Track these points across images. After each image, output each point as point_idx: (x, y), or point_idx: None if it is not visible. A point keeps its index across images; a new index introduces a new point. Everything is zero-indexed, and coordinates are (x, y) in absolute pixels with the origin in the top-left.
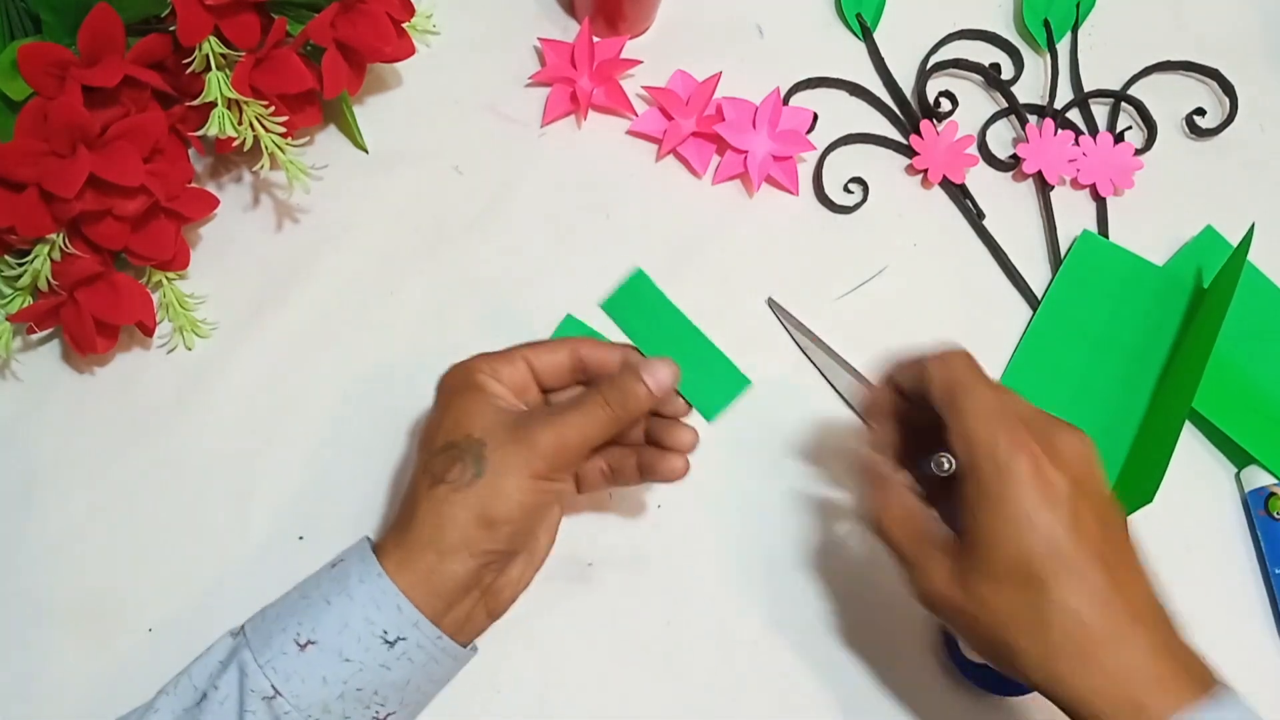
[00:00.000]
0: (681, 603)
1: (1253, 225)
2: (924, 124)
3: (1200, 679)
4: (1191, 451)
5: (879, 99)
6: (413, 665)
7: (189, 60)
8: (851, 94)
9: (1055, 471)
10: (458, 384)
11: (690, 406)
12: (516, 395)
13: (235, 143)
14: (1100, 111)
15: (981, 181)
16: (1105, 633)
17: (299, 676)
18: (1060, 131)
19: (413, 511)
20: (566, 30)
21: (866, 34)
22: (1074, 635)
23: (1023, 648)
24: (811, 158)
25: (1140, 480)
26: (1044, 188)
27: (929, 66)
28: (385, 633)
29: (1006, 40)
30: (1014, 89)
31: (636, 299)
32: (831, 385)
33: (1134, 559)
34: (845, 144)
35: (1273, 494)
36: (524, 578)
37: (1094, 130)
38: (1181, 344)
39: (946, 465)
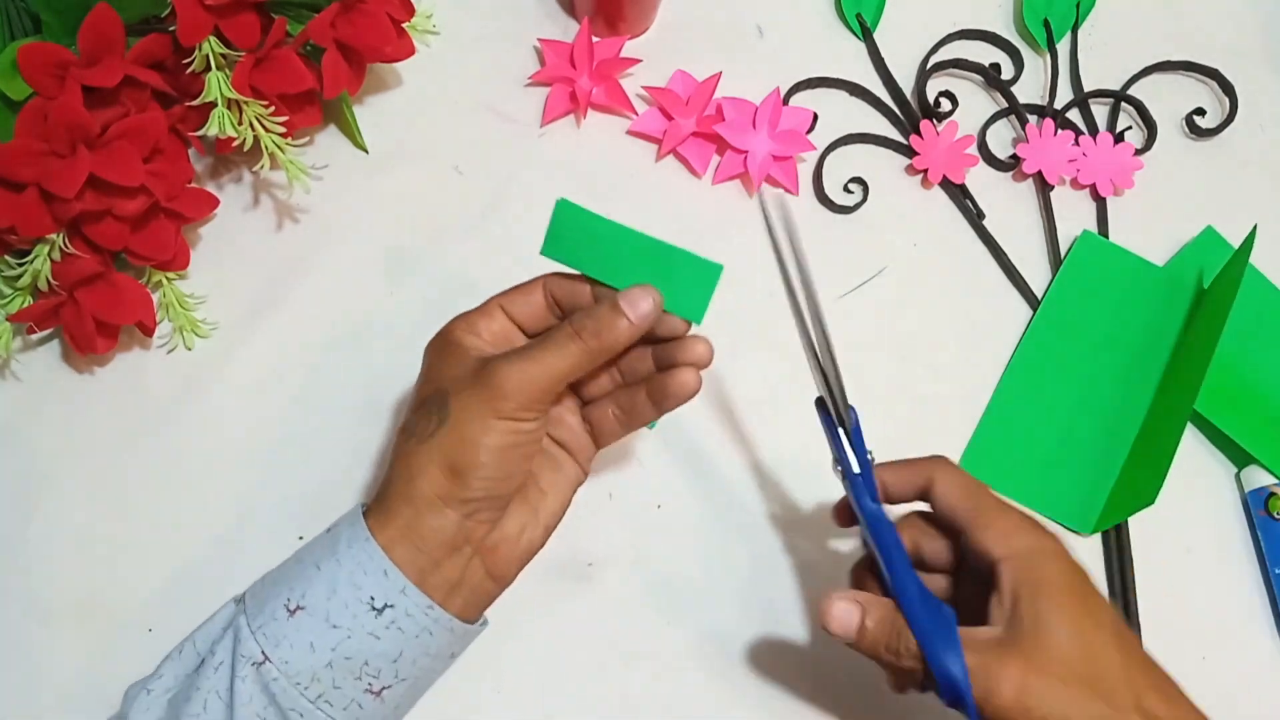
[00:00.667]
0: (681, 603)
1: (1254, 227)
2: (924, 124)
3: None
4: (1191, 451)
5: (879, 99)
6: (403, 635)
7: (189, 60)
8: (851, 94)
9: (1083, 572)
10: (435, 344)
11: (687, 323)
12: (499, 344)
13: (235, 143)
14: (1100, 111)
15: (981, 181)
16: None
17: (287, 642)
18: (1060, 131)
19: (390, 470)
20: (566, 30)
21: (866, 34)
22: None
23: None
24: (811, 158)
25: (1142, 482)
26: (1044, 188)
27: (929, 66)
28: (372, 599)
29: (1006, 40)
30: (1014, 89)
31: (572, 230)
32: (799, 324)
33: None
34: (845, 144)
35: (1273, 494)
36: (526, 535)
37: (1094, 130)
38: (1182, 345)
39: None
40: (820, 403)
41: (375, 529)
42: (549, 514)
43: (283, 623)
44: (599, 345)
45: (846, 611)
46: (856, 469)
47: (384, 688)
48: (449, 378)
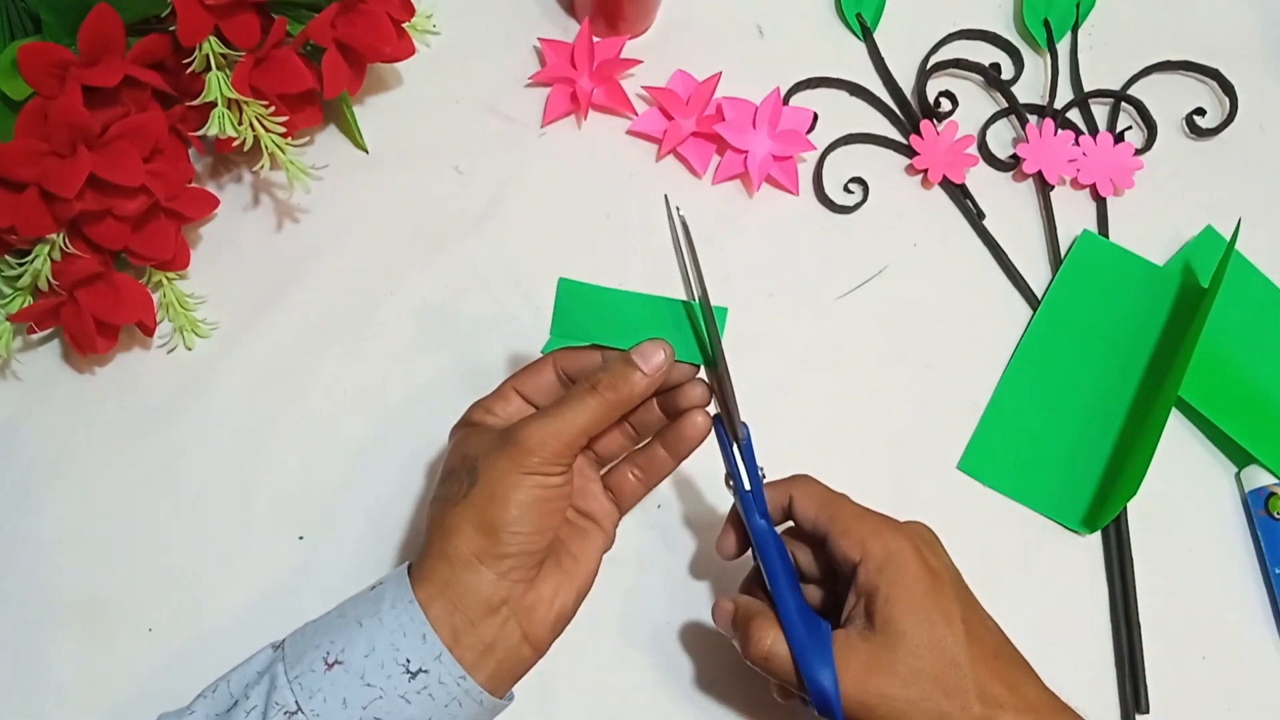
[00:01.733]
0: (681, 603)
1: (1239, 220)
2: (924, 124)
3: None
4: (1191, 451)
5: (879, 99)
6: (433, 703)
7: (189, 60)
8: (851, 94)
9: (937, 559)
10: (458, 431)
11: (695, 367)
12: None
13: (235, 143)
14: (1100, 111)
15: (981, 181)
16: (1003, 687)
17: (321, 695)
18: (1060, 131)
19: (429, 535)
20: (566, 30)
21: (866, 34)
22: (987, 690)
23: (949, 711)
24: (811, 158)
25: (1126, 474)
26: (1044, 188)
27: (929, 66)
28: (408, 661)
29: (1006, 40)
30: (1014, 89)
31: (576, 306)
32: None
33: (997, 633)
34: (845, 144)
35: (1273, 494)
36: (560, 598)
37: (1094, 130)
38: (1178, 342)
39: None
40: (717, 419)
41: (415, 587)
42: (582, 578)
43: (319, 675)
44: (616, 398)
45: (725, 611)
46: (748, 485)
47: None
48: (475, 447)
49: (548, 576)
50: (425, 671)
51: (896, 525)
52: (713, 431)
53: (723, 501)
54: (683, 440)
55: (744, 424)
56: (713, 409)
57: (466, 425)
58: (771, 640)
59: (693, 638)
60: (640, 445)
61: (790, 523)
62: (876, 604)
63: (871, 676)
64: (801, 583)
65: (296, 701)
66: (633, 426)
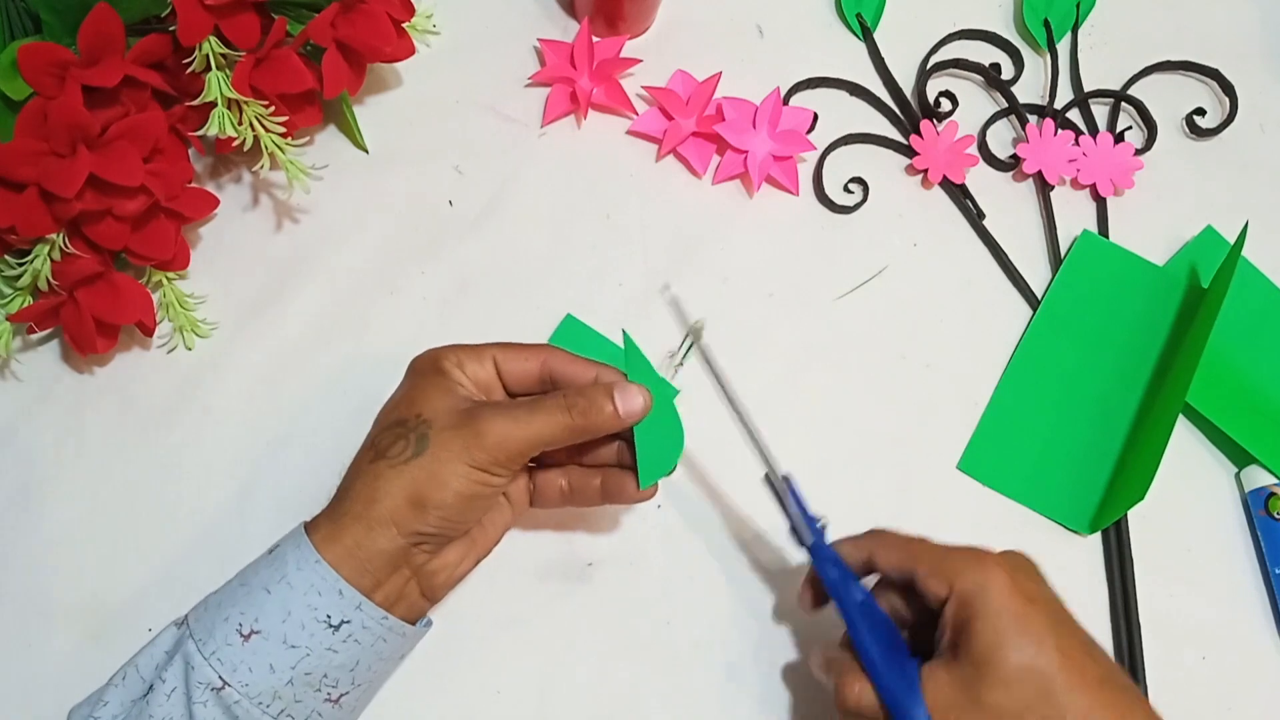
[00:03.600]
0: (681, 603)
1: (1246, 224)
2: (924, 124)
3: None
4: (1191, 451)
5: (879, 99)
6: (360, 646)
7: (189, 60)
8: (851, 94)
9: (1029, 584)
10: (422, 366)
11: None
12: (479, 391)
13: (235, 143)
14: (1100, 111)
15: (981, 181)
16: (1110, 714)
17: (245, 666)
18: (1060, 131)
19: (350, 484)
20: (566, 30)
21: (866, 34)
22: (1089, 718)
23: None
24: (811, 158)
25: (1133, 478)
26: (1044, 188)
27: (929, 66)
28: (329, 617)
29: (1006, 40)
30: (1014, 89)
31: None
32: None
33: (1106, 662)
34: (845, 144)
35: (1273, 494)
36: (462, 565)
37: (1094, 130)
38: (1180, 343)
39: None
40: (768, 479)
41: (320, 544)
42: (484, 547)
43: (237, 648)
44: (584, 424)
45: (818, 663)
46: (810, 539)
47: (342, 694)
48: (432, 407)
49: (454, 547)
50: (348, 622)
51: (984, 554)
52: (771, 487)
53: (722, 503)
54: (624, 496)
55: (785, 476)
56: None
57: (434, 367)
58: (859, 690)
59: (692, 638)
60: (582, 463)
61: (875, 575)
62: (963, 635)
63: (954, 711)
64: (901, 628)
65: (221, 676)
66: (581, 451)
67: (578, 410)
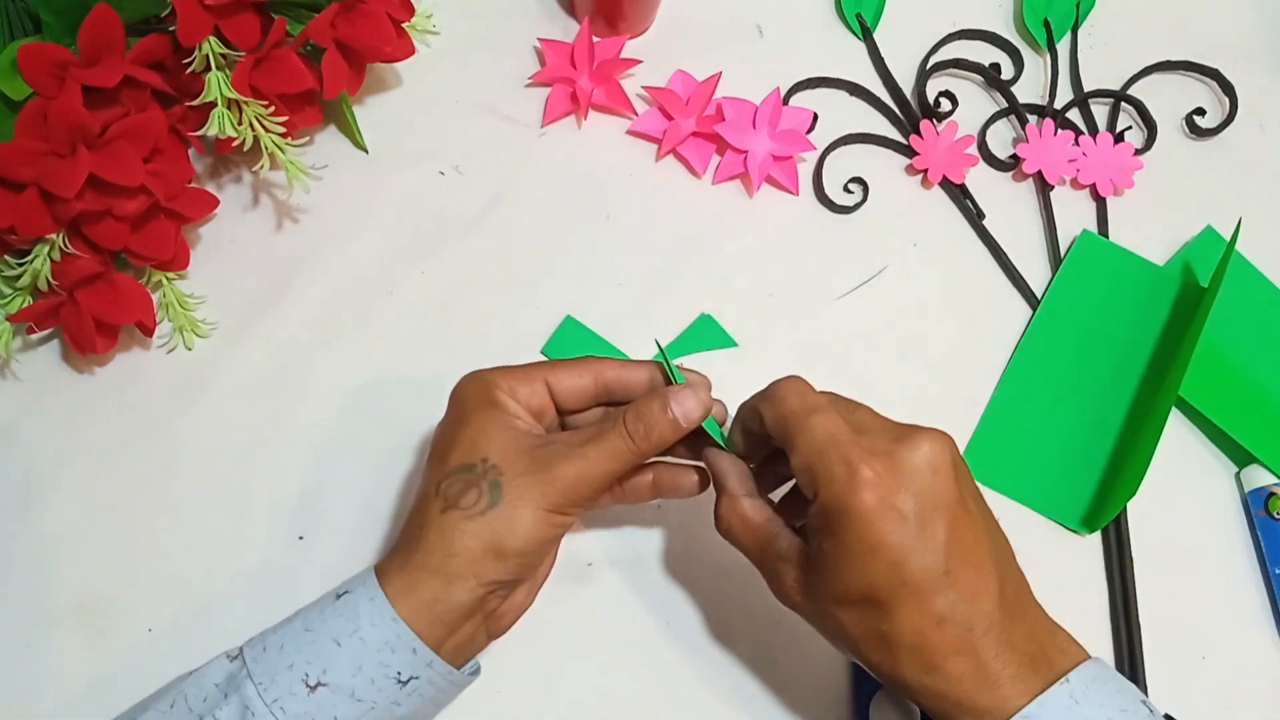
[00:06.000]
0: (681, 603)
1: (1239, 220)
2: (924, 124)
3: (1046, 667)
4: (1191, 451)
5: (879, 99)
6: (422, 700)
7: (189, 60)
8: (851, 94)
9: (900, 494)
10: (474, 398)
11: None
12: (534, 417)
13: (235, 143)
14: (1100, 111)
15: (981, 181)
16: (946, 646)
17: (309, 717)
18: (1060, 131)
19: (421, 534)
20: (566, 30)
21: (866, 34)
22: (917, 649)
23: (871, 660)
24: (811, 158)
25: (1126, 474)
26: (1044, 188)
27: (929, 66)
28: (399, 673)
29: (1006, 40)
30: (1014, 89)
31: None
32: None
33: (983, 556)
34: (845, 144)
35: (1273, 494)
36: (526, 602)
37: (1094, 130)
38: (1177, 342)
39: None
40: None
41: (396, 597)
42: (542, 579)
43: (302, 699)
44: (649, 447)
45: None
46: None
47: None
48: (497, 452)
49: (520, 587)
50: (416, 678)
51: (857, 462)
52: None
53: None
54: (678, 490)
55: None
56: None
57: (486, 398)
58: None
59: (692, 638)
60: None
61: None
62: (816, 535)
63: (796, 591)
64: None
65: None
66: None
67: (639, 436)
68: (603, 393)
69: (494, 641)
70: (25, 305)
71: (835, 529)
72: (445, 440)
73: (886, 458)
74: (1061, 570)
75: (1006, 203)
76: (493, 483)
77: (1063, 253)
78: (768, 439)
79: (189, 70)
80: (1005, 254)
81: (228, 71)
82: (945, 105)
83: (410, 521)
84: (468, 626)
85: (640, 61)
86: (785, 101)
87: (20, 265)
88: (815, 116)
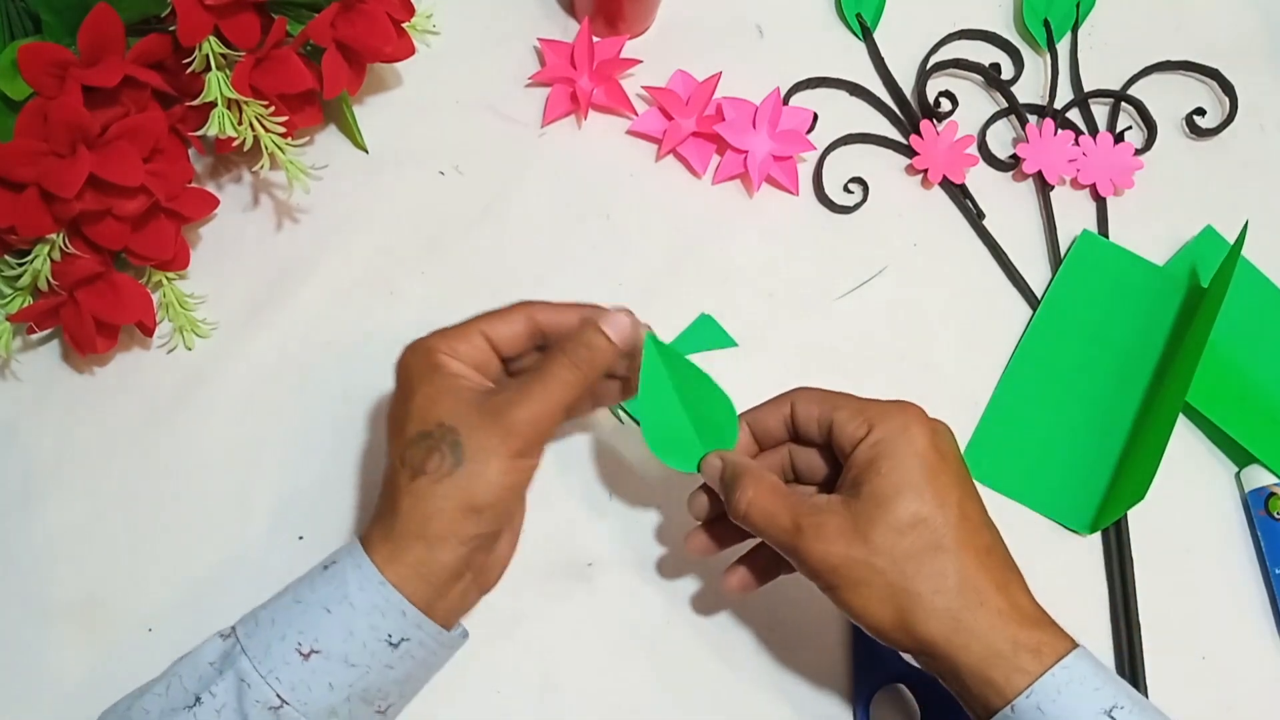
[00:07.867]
0: (681, 603)
1: (1246, 223)
2: (924, 124)
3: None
4: (1191, 451)
5: (879, 99)
6: (414, 661)
7: (189, 60)
8: (851, 94)
9: (941, 439)
10: (417, 367)
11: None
12: (478, 371)
13: (235, 143)
14: (1100, 111)
15: (981, 181)
16: (989, 583)
17: (305, 684)
18: (1060, 131)
19: (395, 505)
20: (566, 30)
21: (866, 34)
22: (970, 582)
23: (921, 592)
24: (811, 158)
25: (1133, 478)
26: (1044, 188)
27: (929, 66)
28: (390, 635)
29: (1006, 40)
30: (1014, 89)
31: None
32: None
33: (995, 533)
34: (845, 144)
35: (1273, 494)
36: (509, 552)
37: (1094, 130)
38: (1179, 343)
39: None
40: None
41: (384, 565)
42: (520, 524)
43: (296, 667)
44: (592, 371)
45: (714, 467)
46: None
47: (389, 706)
48: (450, 412)
49: (501, 537)
50: (407, 639)
51: (909, 405)
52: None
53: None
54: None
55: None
56: None
57: (430, 364)
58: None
59: (693, 638)
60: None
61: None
62: (869, 472)
63: (840, 538)
64: (801, 483)
65: (279, 695)
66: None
67: (582, 361)
68: (538, 335)
69: (494, 639)
70: (25, 305)
71: (897, 456)
72: (399, 413)
73: (924, 412)
74: (1061, 570)
75: (1006, 203)
76: (452, 443)
77: (1063, 253)
78: (768, 440)
79: (189, 70)
80: (1005, 254)
81: (228, 71)
82: (945, 105)
83: (383, 495)
84: (459, 586)
85: (640, 61)
86: (785, 101)
87: (20, 265)
88: (815, 116)
